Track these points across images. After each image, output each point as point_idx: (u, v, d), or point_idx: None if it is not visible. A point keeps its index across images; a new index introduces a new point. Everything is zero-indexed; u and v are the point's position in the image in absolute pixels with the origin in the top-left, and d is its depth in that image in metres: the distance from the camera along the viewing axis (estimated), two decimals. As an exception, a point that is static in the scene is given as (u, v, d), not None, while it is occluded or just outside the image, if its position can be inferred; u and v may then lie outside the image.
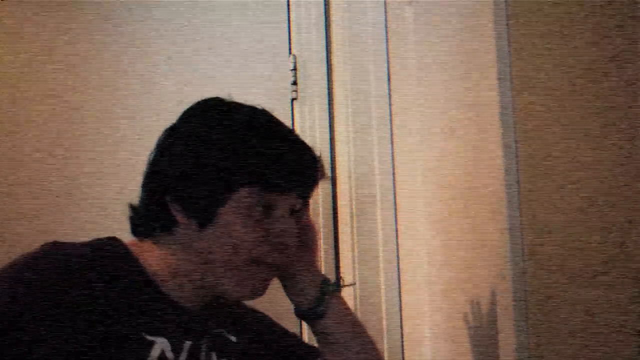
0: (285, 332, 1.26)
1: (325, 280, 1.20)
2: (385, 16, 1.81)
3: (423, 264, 1.62)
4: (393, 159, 1.78)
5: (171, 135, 1.10)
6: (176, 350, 1.05)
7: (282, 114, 1.83)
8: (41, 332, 0.96)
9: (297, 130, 1.84)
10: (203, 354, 1.09)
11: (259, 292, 1.09)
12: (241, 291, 1.08)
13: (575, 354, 1.13)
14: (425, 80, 1.61)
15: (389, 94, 1.79)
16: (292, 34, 1.89)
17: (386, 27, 1.81)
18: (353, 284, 1.69)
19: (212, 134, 1.06)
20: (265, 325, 1.24)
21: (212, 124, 1.08)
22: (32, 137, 1.82)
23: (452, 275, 1.48)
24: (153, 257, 1.09)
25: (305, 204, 1.15)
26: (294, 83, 1.88)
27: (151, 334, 1.03)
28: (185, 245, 1.08)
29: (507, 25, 1.18)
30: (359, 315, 1.67)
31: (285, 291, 1.20)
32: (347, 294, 1.70)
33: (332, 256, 1.79)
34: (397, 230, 1.77)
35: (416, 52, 1.66)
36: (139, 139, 1.78)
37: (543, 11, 1.18)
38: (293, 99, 1.88)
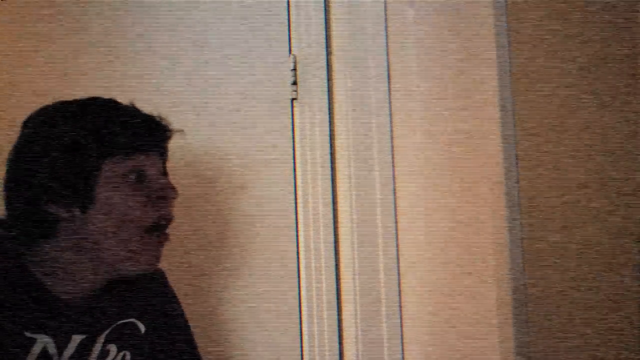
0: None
1: None
2: (385, 16, 1.81)
3: (423, 264, 1.62)
4: (393, 159, 1.78)
5: (24, 147, 1.13)
6: (60, 346, 1.07)
7: (282, 114, 1.84)
8: None
9: (297, 130, 1.84)
10: (98, 347, 1.11)
11: (153, 261, 1.14)
12: (136, 263, 1.12)
13: (575, 354, 1.12)
14: (425, 80, 1.61)
15: (389, 94, 1.79)
16: (292, 34, 1.89)
17: (386, 27, 1.81)
18: None
19: (64, 128, 1.11)
20: (173, 311, 1.28)
21: (64, 118, 1.12)
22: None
23: (452, 275, 1.48)
24: (42, 258, 1.11)
25: (164, 167, 1.19)
26: (294, 83, 1.88)
27: (32, 332, 1.06)
28: (73, 236, 1.10)
29: (507, 25, 1.18)
30: (358, 314, 1.67)
31: None
32: (347, 293, 1.70)
33: (332, 256, 1.79)
34: (397, 230, 1.77)
35: (416, 52, 1.66)
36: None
37: (543, 11, 1.18)
38: (293, 99, 1.88)
